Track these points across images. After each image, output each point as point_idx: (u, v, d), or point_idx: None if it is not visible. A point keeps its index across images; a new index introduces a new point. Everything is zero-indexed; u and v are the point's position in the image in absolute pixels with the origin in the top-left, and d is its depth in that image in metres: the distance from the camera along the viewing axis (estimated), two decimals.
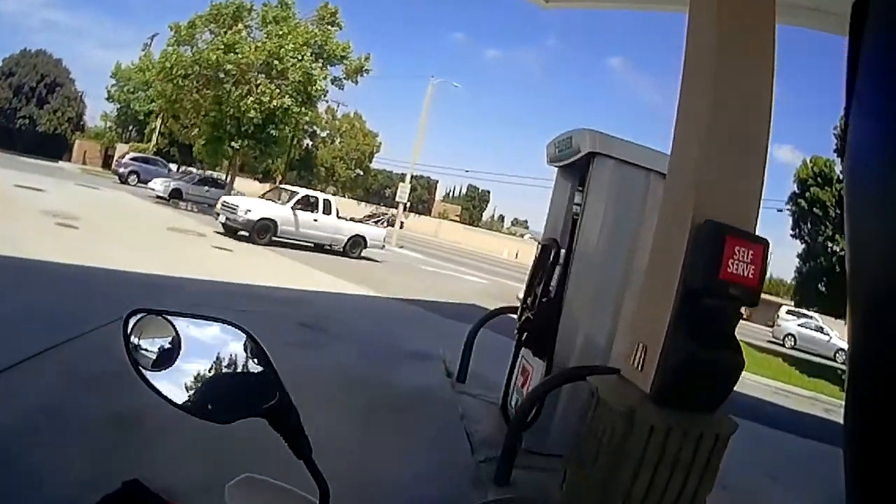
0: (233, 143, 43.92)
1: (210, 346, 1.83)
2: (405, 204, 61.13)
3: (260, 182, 65.61)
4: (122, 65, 65.14)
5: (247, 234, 30.27)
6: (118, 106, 77.18)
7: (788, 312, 53.32)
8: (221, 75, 41.89)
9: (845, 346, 1.15)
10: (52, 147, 75.22)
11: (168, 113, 52.88)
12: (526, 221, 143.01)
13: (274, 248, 29.99)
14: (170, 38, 44.38)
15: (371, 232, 36.90)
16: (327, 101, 47.47)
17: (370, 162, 61.59)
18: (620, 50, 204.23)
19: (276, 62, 41.56)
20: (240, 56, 41.09)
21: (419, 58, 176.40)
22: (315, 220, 32.76)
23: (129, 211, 34.20)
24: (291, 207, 32.52)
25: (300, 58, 41.71)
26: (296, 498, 1.90)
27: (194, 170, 62.30)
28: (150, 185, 50.00)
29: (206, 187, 49.76)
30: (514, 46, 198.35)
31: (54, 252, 16.58)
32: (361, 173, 61.42)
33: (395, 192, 59.68)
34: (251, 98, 41.54)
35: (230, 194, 44.43)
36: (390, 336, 15.92)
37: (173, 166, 65.95)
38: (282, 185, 39.66)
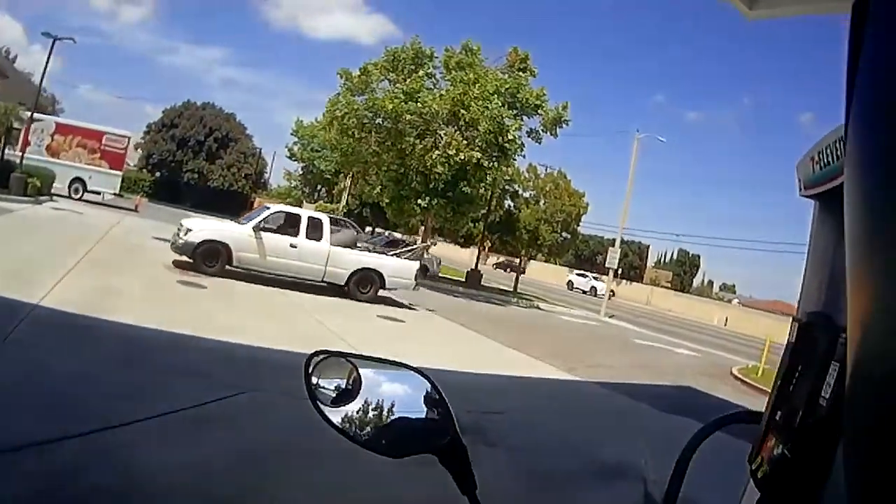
0: (420, 202, 39.94)
1: (390, 388, 2.03)
2: (615, 271, 58.36)
3: (462, 247, 62.83)
4: (304, 121, 62.97)
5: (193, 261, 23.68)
6: (302, 164, 75.72)
7: None
8: (402, 126, 38.17)
9: None
10: (227, 203, 74.04)
11: (345, 168, 49.67)
12: (734, 286, 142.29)
13: (270, 286, 24.46)
14: (340, 85, 40.71)
15: (392, 266, 28.06)
16: (524, 156, 42.23)
17: (577, 224, 57.50)
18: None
19: (462, 111, 37.48)
20: (420, 105, 37.36)
21: (615, 118, 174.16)
22: (293, 247, 25.26)
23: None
24: (253, 228, 24.83)
25: (489, 106, 37.43)
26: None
27: (389, 233, 59.95)
28: None
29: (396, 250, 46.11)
30: (713, 107, 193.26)
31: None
32: (568, 237, 57.12)
33: (606, 257, 55.69)
34: (437, 151, 37.86)
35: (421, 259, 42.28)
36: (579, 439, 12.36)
37: (370, 229, 64.03)
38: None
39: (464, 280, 48.39)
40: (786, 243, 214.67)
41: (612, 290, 59.04)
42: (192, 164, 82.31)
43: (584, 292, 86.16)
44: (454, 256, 68.94)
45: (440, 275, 48.81)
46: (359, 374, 1.99)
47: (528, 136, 41.22)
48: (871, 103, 0.97)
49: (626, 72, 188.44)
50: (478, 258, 52.87)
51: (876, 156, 0.94)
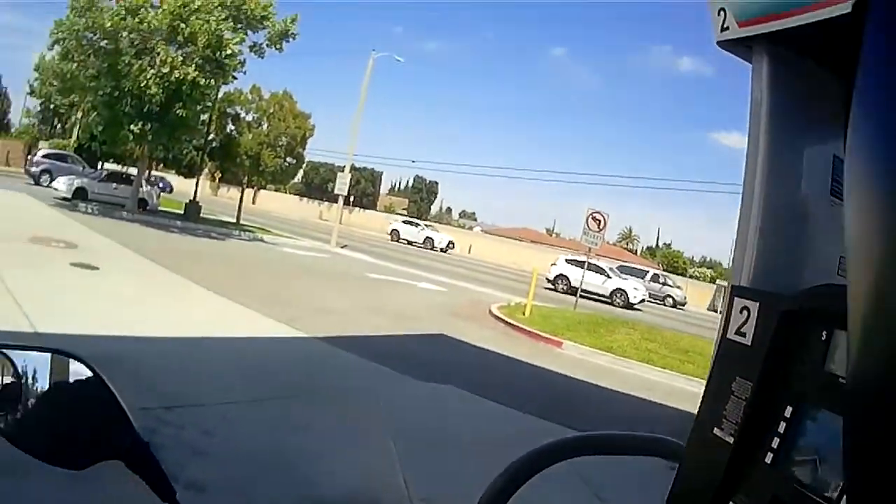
0: (132, 127, 35.85)
1: (51, 381, 1.77)
2: (346, 197, 55.03)
3: (185, 177, 58.68)
4: (47, 56, 57.71)
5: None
6: (41, 101, 69.15)
7: None
8: (121, 46, 34.16)
9: None
10: None
11: (64, 95, 44.52)
12: (474, 213, 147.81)
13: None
14: (68, 6, 35.41)
15: None
16: (244, 73, 38.18)
17: (303, 148, 54.24)
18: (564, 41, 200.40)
19: (181, 25, 33.68)
20: (139, 21, 33.34)
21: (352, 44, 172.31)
22: None
23: (5, 215, 27.29)
24: None
25: (209, 19, 33.75)
26: None
27: (116, 167, 55.86)
28: (54, 184, 43.94)
29: (115, 184, 43.62)
30: (453, 38, 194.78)
31: None
32: (293, 162, 53.44)
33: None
34: (152, 70, 33.92)
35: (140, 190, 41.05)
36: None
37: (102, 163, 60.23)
38: None
39: (183, 213, 45.17)
40: (525, 169, 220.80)
41: (339, 218, 55.31)
42: None
43: (413, 244, 76.05)
44: (182, 188, 64.74)
45: (161, 208, 45.87)
46: (16, 368, 1.70)
47: (251, 52, 37.95)
48: (872, 103, 0.95)
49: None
50: (196, 187, 49.76)
51: (876, 155, 0.92)
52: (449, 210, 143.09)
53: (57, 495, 5.23)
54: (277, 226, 57.00)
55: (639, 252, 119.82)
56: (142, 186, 43.28)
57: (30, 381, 1.70)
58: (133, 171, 47.09)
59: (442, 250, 71.45)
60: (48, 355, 1.76)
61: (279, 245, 41.03)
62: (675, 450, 2.31)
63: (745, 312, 1.85)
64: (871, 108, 0.93)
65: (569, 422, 10.58)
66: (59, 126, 79.09)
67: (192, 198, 47.05)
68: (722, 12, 2.54)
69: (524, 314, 25.01)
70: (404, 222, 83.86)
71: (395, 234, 79.01)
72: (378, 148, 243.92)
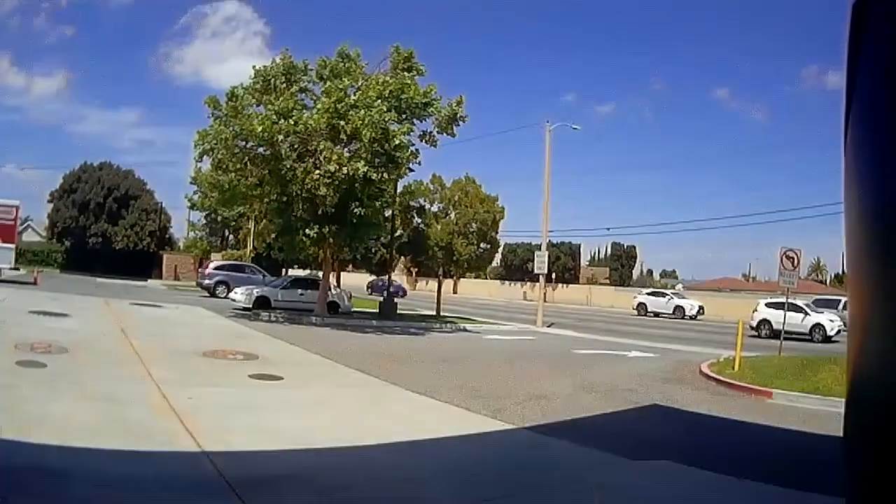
0: (308, 231, 35.08)
1: None
2: (546, 274, 54.53)
3: (377, 275, 58.83)
4: (200, 168, 58.43)
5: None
6: (205, 213, 70.64)
7: None
8: (279, 150, 33.62)
9: None
10: (136, 265, 73.43)
11: (226, 206, 44.78)
12: (674, 271, 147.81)
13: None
14: (208, 115, 35.60)
15: None
16: (419, 163, 37.59)
17: (495, 232, 53.51)
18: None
19: (341, 122, 32.85)
20: (293, 123, 32.68)
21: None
22: None
23: (175, 332, 26.71)
24: None
25: (370, 113, 32.54)
26: None
27: (301, 272, 57.39)
28: (231, 295, 43.78)
29: (300, 290, 42.71)
30: (621, 99, 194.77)
31: None
32: (488, 247, 52.78)
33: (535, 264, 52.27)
34: (317, 171, 33.05)
35: (329, 293, 40.15)
36: None
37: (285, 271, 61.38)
38: None
39: (378, 312, 44.50)
40: (717, 218, 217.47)
41: (543, 294, 54.70)
42: (94, 228, 79.10)
43: (661, 315, 71.89)
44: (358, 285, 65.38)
45: (354, 309, 45.01)
46: None
47: (422, 140, 36.58)
48: (872, 103, 1.00)
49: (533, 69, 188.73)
50: (388, 284, 49.48)
51: (876, 155, 0.96)
52: (650, 272, 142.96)
53: None
54: (480, 313, 56.40)
55: (828, 281, 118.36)
56: (330, 289, 42.30)
57: None
58: (320, 274, 46.50)
59: (692, 318, 68.46)
60: None
61: (483, 333, 39.85)
62: None
63: None
64: (871, 108, 0.94)
65: (782, 480, 10.28)
66: (230, 237, 80.00)
67: (385, 295, 46.37)
68: None
69: (734, 368, 23.86)
70: (650, 294, 79.96)
71: (641, 308, 74.80)
72: (572, 217, 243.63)
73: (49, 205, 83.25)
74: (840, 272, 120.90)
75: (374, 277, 74.56)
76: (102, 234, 78.30)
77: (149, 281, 66.43)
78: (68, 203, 79.30)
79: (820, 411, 17.84)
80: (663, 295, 77.73)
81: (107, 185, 79.94)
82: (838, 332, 45.90)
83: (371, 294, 68.67)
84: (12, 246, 48.56)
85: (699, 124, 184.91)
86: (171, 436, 10.80)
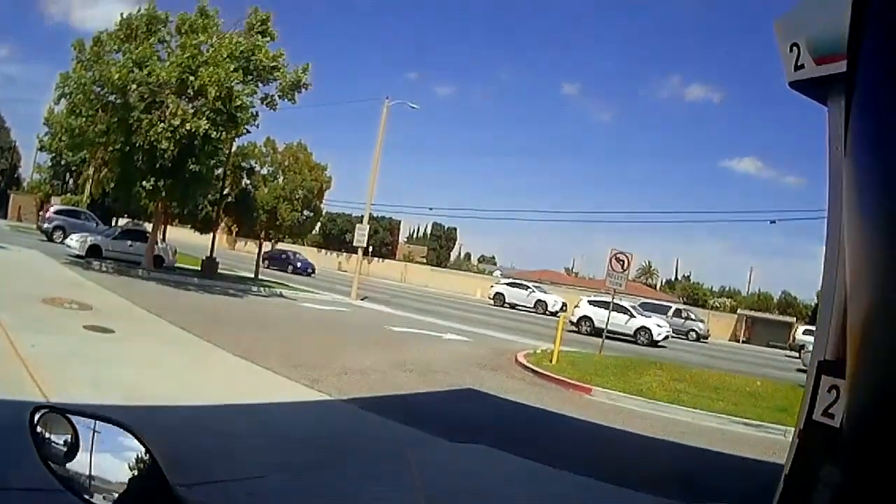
0: (145, 183, 35.21)
1: (109, 447, 2.06)
2: (365, 248, 55.42)
3: (200, 232, 58.15)
4: (55, 109, 57.12)
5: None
6: (52, 156, 68.88)
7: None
8: (130, 100, 33.53)
9: None
10: None
11: (73, 151, 44.02)
12: (493, 258, 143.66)
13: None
14: (72, 59, 35.22)
15: None
16: (257, 126, 37.82)
17: (320, 201, 53.68)
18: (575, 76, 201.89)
19: (190, 77, 33.07)
20: (147, 73, 32.73)
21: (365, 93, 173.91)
22: None
23: (17, 275, 27.19)
24: None
25: (219, 71, 32.99)
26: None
27: (121, 223, 56.01)
28: (67, 241, 43.16)
29: (129, 242, 42.41)
30: (465, 82, 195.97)
31: None
32: (311, 215, 52.97)
33: (354, 235, 52.93)
34: (162, 124, 33.13)
35: (156, 247, 40.31)
36: None
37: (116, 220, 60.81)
38: None
39: (199, 269, 44.44)
40: (542, 211, 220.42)
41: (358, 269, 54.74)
42: None
43: (518, 307, 67.83)
44: (198, 242, 64.40)
45: (178, 265, 45.06)
46: (77, 431, 2.04)
47: (263, 104, 37.24)
48: (872, 104, 0.97)
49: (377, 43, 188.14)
50: (213, 243, 48.73)
51: (877, 157, 0.95)
52: (468, 256, 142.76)
53: None
54: (295, 279, 56.80)
55: (658, 286, 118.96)
56: (157, 243, 42.30)
57: (88, 444, 2.01)
58: (148, 227, 46.20)
59: (553, 314, 62.17)
60: (110, 427, 2.06)
61: (299, 300, 40.36)
62: None
63: (833, 392, 1.73)
64: (871, 108, 0.93)
65: (604, 475, 10.71)
66: (71, 182, 78.22)
67: (208, 254, 46.18)
68: (795, 48, 2.70)
69: (551, 361, 24.27)
70: (510, 284, 74.33)
71: (499, 298, 70.75)
72: (395, 197, 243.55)
73: None
74: (671, 278, 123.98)
75: (271, 248, 72.84)
76: None
77: None
78: None
79: (643, 413, 18.72)
80: (525, 287, 72.76)
81: None
82: (666, 337, 47.44)
83: (268, 267, 66.83)
84: None
85: (543, 118, 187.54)
86: (18, 382, 11.07)
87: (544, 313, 63.96)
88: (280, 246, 68.68)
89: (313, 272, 73.94)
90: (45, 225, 54.15)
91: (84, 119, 34.55)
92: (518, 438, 13.41)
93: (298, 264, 73.13)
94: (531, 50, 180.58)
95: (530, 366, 23.80)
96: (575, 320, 47.22)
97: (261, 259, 63.50)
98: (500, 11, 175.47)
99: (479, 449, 11.92)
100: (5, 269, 27.60)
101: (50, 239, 50.58)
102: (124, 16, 35.66)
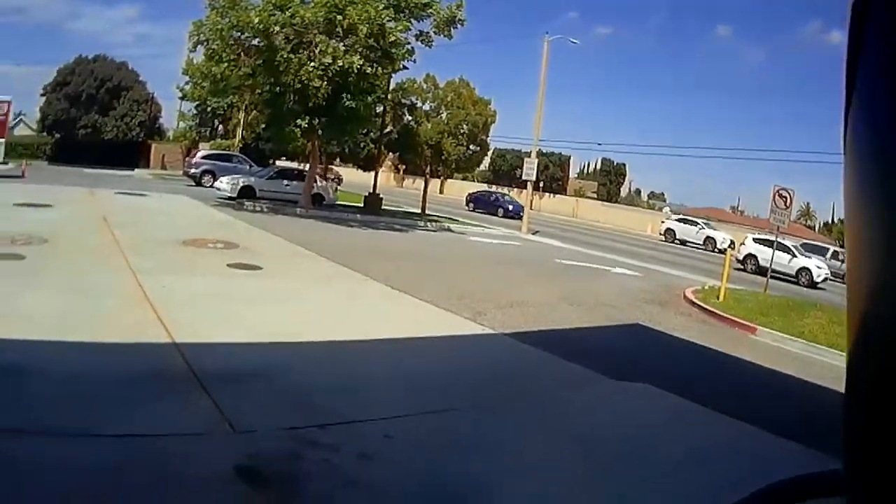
0: (299, 122, 34.80)
1: None
2: (534, 182, 53.86)
3: (364, 170, 58.08)
4: (194, 60, 57.82)
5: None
6: (196, 104, 69.60)
7: None
8: (274, 42, 33.05)
9: None
10: (124, 155, 71.17)
11: (218, 97, 43.36)
12: (662, 194, 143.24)
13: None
14: (205, 6, 34.71)
15: None
16: (413, 61, 37.72)
17: (486, 136, 52.79)
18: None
19: (338, 17, 32.30)
20: (289, 15, 32.26)
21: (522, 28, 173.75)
22: None
23: (157, 221, 26.12)
24: None
25: (368, 9, 32.24)
26: None
27: (287, 164, 56.76)
28: (216, 184, 42.91)
29: (286, 181, 42.24)
30: (624, 23, 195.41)
31: None
32: (477, 149, 52.20)
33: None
34: (312, 63, 32.60)
35: (315, 185, 39.77)
36: None
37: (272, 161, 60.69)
38: None
39: (362, 206, 43.96)
40: (715, 148, 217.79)
41: (529, 202, 54.49)
42: (85, 120, 77.84)
43: (687, 244, 66.46)
44: (363, 182, 64.20)
45: (339, 202, 44.53)
46: None
47: (418, 40, 36.41)
48: (872, 103, 0.95)
49: None
50: (375, 179, 48.55)
51: (876, 156, 0.93)
52: (638, 192, 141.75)
53: None
54: (464, 214, 56.43)
55: (817, 228, 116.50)
56: (315, 181, 42.50)
57: None
58: (306, 167, 46.05)
59: (721, 251, 58.71)
60: None
61: (467, 234, 39.67)
62: None
63: None
64: (871, 108, 0.92)
65: (769, 424, 9.87)
66: (219, 127, 79.05)
67: (371, 190, 45.88)
68: None
69: (718, 298, 23.59)
70: (680, 220, 72.67)
71: (669, 233, 69.34)
72: (564, 131, 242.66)
73: (42, 98, 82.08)
74: (829, 220, 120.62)
75: (475, 190, 73.10)
76: (93, 126, 77.43)
77: (136, 171, 65.08)
78: (60, 96, 78.10)
79: (804, 356, 17.84)
80: (694, 223, 71.08)
81: (100, 77, 78.87)
82: (825, 279, 45.92)
83: (473, 210, 65.94)
84: (2, 140, 47.71)
85: (699, 58, 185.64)
86: (142, 326, 10.60)
87: (713, 250, 62.46)
88: (482, 187, 68.02)
89: (519, 215, 65.62)
90: (192, 170, 54.21)
91: (226, 64, 34.40)
92: (683, 378, 12.66)
93: (510, 207, 66.78)
94: None
95: (698, 302, 23.15)
96: (741, 258, 46.12)
97: (465, 201, 62.47)
98: None
99: (643, 388, 11.05)
100: (145, 216, 27.26)
101: (198, 184, 50.92)
102: None
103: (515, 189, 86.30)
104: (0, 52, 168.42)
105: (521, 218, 55.04)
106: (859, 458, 0.96)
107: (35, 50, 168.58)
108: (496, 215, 63.17)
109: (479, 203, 69.09)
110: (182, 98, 62.62)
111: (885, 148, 0.91)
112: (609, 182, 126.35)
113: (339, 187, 48.40)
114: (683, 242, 66.76)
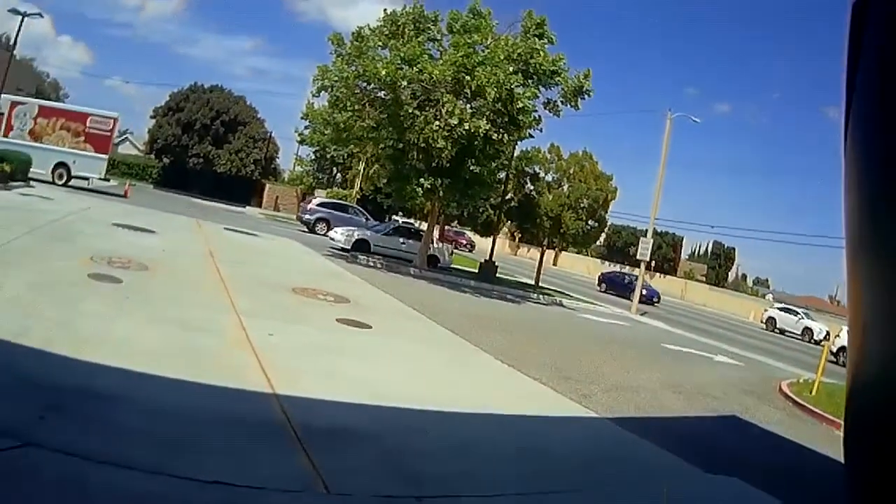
0: (421, 181, 34.86)
1: None
2: (648, 263, 54.13)
3: (481, 235, 58.75)
4: (315, 105, 58.84)
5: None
6: (314, 149, 70.67)
7: None
8: (401, 96, 33.33)
9: None
10: (236, 190, 73.41)
11: (338, 145, 43.39)
12: (767, 280, 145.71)
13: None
14: (331, 52, 35.65)
15: None
16: (540, 130, 37.72)
17: (605, 211, 53.14)
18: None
19: (466, 77, 32.40)
20: (418, 71, 32.47)
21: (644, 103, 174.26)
22: None
23: (266, 263, 27.02)
24: None
25: (496, 72, 32.11)
26: None
27: (394, 219, 57.17)
28: (331, 234, 42.92)
29: (402, 239, 42.14)
30: (741, 100, 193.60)
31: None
32: (595, 225, 52.61)
33: (638, 249, 51.44)
34: (437, 122, 32.63)
35: (431, 247, 39.51)
36: None
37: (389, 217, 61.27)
38: None
39: (476, 272, 43.65)
40: (820, 236, 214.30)
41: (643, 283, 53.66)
42: (197, 149, 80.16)
43: (787, 333, 67.10)
44: (479, 246, 64.58)
45: (454, 266, 44.37)
46: None
47: (546, 109, 36.25)
48: (872, 103, 1.00)
49: (656, 59, 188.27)
50: (492, 247, 48.15)
51: (876, 156, 0.97)
52: (744, 276, 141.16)
53: None
54: (577, 289, 56.02)
55: None
56: (432, 242, 42.31)
57: None
58: (423, 226, 46.21)
59: (817, 342, 60.12)
60: None
61: (578, 311, 39.33)
62: None
63: None
64: (871, 108, 0.94)
65: None
66: (338, 175, 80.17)
67: (487, 257, 45.42)
68: None
69: (811, 392, 23.46)
70: (782, 309, 73.13)
71: (770, 322, 70.11)
72: (677, 211, 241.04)
73: (151, 120, 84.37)
74: None
75: (609, 270, 72.76)
76: (205, 156, 79.48)
77: (247, 208, 66.60)
78: (172, 121, 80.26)
79: None
80: (794, 313, 71.82)
81: (215, 107, 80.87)
82: None
83: (605, 291, 63.56)
84: (105, 156, 49.35)
85: (811, 138, 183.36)
86: (242, 370, 10.78)
87: (810, 341, 62.37)
88: (612, 267, 67.84)
89: (658, 300, 65.59)
90: (307, 216, 54.65)
91: (350, 114, 34.63)
92: (771, 473, 12.72)
93: (644, 292, 56.88)
94: (803, 71, 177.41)
95: (792, 395, 23.08)
96: (835, 350, 44.23)
97: (598, 282, 62.45)
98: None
99: (733, 482, 11.15)
100: (254, 256, 27.77)
101: (311, 230, 51.35)
102: (388, 12, 35.90)
103: (628, 266, 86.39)
104: (109, 65, 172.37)
105: (654, 303, 55.20)
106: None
107: (144, 69, 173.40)
108: (629, 299, 57.44)
109: (613, 285, 65.93)
110: (300, 142, 63.88)
111: (884, 147, 1.00)
112: (718, 266, 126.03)
113: (454, 251, 48.80)
114: (783, 332, 66.94)
